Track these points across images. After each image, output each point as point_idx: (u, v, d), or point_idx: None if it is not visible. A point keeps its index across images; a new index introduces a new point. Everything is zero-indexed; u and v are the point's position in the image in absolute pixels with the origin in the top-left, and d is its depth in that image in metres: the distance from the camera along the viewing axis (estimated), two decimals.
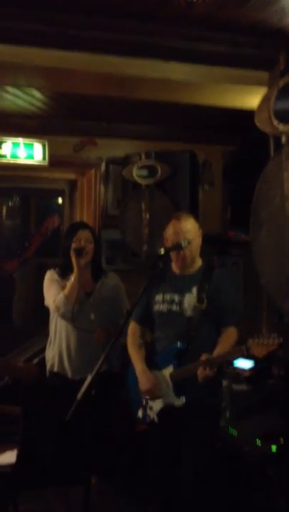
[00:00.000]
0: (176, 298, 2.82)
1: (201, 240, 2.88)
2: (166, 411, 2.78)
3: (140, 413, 2.86)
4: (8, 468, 3.08)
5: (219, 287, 2.80)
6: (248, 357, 2.65)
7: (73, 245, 3.28)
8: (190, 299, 2.78)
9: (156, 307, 2.88)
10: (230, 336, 2.75)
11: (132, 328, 3.01)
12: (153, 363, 2.85)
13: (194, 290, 2.79)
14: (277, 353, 2.77)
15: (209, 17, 2.46)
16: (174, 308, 2.82)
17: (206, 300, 2.75)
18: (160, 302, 2.87)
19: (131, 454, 3.81)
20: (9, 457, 3.15)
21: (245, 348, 2.55)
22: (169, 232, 2.85)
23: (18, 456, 3.15)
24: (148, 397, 2.83)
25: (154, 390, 2.80)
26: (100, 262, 3.56)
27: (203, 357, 2.62)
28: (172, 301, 2.83)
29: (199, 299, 2.76)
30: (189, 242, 2.79)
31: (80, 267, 3.25)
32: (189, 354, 2.71)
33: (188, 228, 2.82)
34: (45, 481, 3.49)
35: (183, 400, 2.72)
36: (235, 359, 2.70)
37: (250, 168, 4.32)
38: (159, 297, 2.88)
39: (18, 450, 3.19)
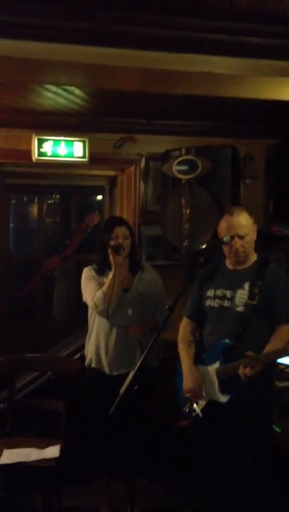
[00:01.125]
0: (228, 294, 2.78)
1: (255, 235, 2.83)
2: (211, 407, 2.76)
3: (186, 408, 2.86)
4: (52, 463, 3.11)
5: (273, 283, 2.73)
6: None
7: (111, 243, 3.27)
8: (241, 295, 2.74)
9: (208, 302, 2.85)
10: (283, 334, 2.67)
11: (184, 324, 3.00)
12: (201, 358, 2.83)
13: (246, 286, 2.74)
14: None
15: (253, 9, 2.41)
16: (226, 304, 2.78)
17: (257, 296, 2.69)
18: (212, 298, 2.84)
19: (173, 450, 3.82)
20: (53, 452, 3.18)
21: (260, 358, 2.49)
22: (222, 227, 2.81)
23: (61, 451, 3.19)
24: (188, 396, 2.82)
25: (197, 391, 2.78)
26: (137, 257, 3.54)
27: (248, 354, 2.58)
28: (224, 297, 2.79)
29: (251, 296, 2.71)
30: (232, 238, 2.75)
31: (118, 264, 3.24)
32: (237, 351, 2.67)
33: (242, 223, 2.77)
34: (89, 476, 3.53)
35: (227, 397, 2.69)
36: (281, 357, 2.63)
37: None
38: (210, 292, 2.85)
39: (61, 445, 3.23)
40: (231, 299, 2.76)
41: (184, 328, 3.00)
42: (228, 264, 2.88)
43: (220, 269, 2.90)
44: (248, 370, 2.55)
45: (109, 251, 3.25)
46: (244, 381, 2.59)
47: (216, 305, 2.81)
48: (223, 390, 2.71)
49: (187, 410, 2.85)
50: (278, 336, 2.67)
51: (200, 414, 2.79)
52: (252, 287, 2.72)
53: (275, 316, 2.71)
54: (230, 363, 2.70)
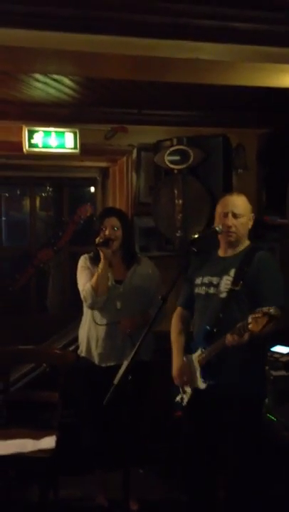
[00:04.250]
0: (215, 280, 2.77)
1: (250, 223, 2.81)
2: (196, 395, 2.76)
3: (178, 398, 2.87)
4: (48, 454, 3.12)
5: (259, 270, 2.70)
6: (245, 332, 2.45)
7: (98, 238, 3.24)
8: (226, 281, 2.72)
9: (196, 290, 2.85)
10: None
11: (176, 313, 3.01)
12: (189, 347, 2.84)
13: (232, 272, 2.72)
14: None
15: None
16: (211, 290, 2.77)
17: (241, 282, 2.66)
18: (199, 285, 2.83)
19: (167, 441, 3.82)
20: (48, 443, 3.20)
21: (245, 324, 2.42)
22: (218, 208, 2.80)
23: (56, 442, 3.19)
24: (176, 383, 2.83)
25: (181, 377, 2.79)
26: (131, 249, 3.52)
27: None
28: (210, 284, 2.78)
29: (234, 281, 2.68)
30: (226, 215, 2.73)
31: (107, 257, 3.22)
32: (217, 336, 2.64)
33: (239, 203, 2.77)
34: (85, 466, 3.53)
35: (207, 383, 2.67)
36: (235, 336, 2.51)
37: (285, 151, 4.25)
38: (198, 280, 2.84)
39: (56, 436, 3.23)
40: (217, 286, 2.75)
41: (176, 317, 3.00)
42: (220, 251, 2.88)
43: (211, 258, 2.89)
44: (235, 339, 2.48)
45: (97, 248, 3.22)
46: (229, 346, 2.52)
47: (203, 292, 2.81)
48: (203, 377, 2.70)
49: (179, 400, 2.86)
50: None
51: (184, 403, 2.79)
52: (237, 273, 2.70)
53: (258, 302, 2.64)
54: (209, 348, 2.68)
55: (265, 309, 2.36)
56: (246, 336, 2.43)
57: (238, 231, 2.76)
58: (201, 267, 2.88)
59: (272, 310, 2.35)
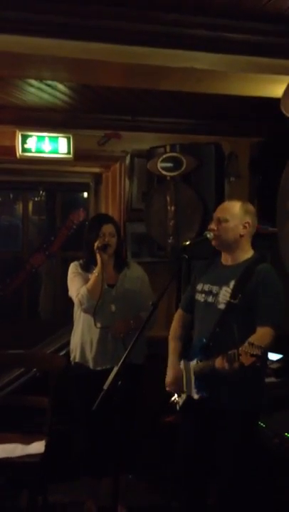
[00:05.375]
0: (214, 289, 2.71)
1: (242, 230, 2.70)
2: (189, 403, 2.76)
3: (173, 398, 2.86)
4: (37, 458, 3.11)
5: (258, 284, 2.61)
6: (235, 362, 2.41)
7: (97, 242, 3.27)
8: (225, 293, 2.66)
9: (196, 296, 2.82)
10: (260, 337, 2.53)
11: (176, 316, 2.99)
12: (187, 353, 2.81)
13: (232, 283, 2.65)
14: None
15: (233, 5, 2.42)
16: (210, 299, 2.72)
17: (240, 295, 2.59)
18: (200, 292, 2.79)
19: (157, 446, 3.83)
20: (37, 447, 3.19)
21: (236, 354, 2.37)
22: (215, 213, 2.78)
23: (46, 447, 3.18)
24: (169, 390, 2.82)
25: (175, 385, 2.79)
26: (122, 254, 3.57)
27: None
28: (210, 292, 2.73)
29: (233, 294, 2.61)
30: (218, 235, 2.68)
31: (104, 262, 3.25)
32: (211, 351, 2.61)
33: (225, 207, 2.73)
34: (74, 472, 3.52)
35: (201, 394, 2.65)
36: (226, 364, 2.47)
37: (277, 160, 4.27)
38: (199, 286, 2.80)
39: (46, 441, 3.22)
40: (216, 295, 2.70)
41: (176, 320, 2.97)
42: (222, 259, 2.81)
43: (214, 264, 2.84)
44: (225, 365, 2.44)
45: (96, 251, 3.24)
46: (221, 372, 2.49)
47: (202, 299, 2.77)
48: (197, 387, 2.68)
49: (174, 401, 2.86)
50: (254, 338, 2.50)
51: (178, 407, 2.80)
52: (236, 285, 2.63)
53: (256, 317, 2.60)
54: (205, 361, 2.64)
55: (254, 348, 2.33)
56: (236, 365, 2.39)
57: (220, 236, 2.69)
58: (205, 272, 2.84)
59: (258, 352, 2.32)
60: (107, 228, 3.33)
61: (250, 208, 2.78)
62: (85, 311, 3.31)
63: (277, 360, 3.53)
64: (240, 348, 2.37)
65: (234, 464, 2.68)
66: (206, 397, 2.65)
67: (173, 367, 2.83)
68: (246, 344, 2.37)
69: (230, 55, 2.68)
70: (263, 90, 3.08)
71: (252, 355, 2.33)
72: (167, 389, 2.84)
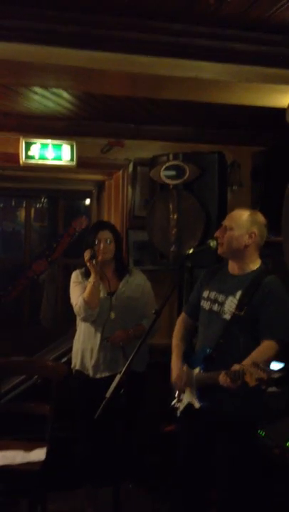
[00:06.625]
0: (220, 298, 2.69)
1: (248, 239, 2.66)
2: (188, 409, 2.74)
3: (174, 403, 2.84)
4: (38, 466, 3.10)
5: (264, 296, 2.58)
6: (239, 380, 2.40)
7: (85, 253, 3.26)
8: (231, 303, 2.63)
9: (201, 303, 2.80)
10: (263, 350, 2.52)
11: (180, 319, 2.98)
12: (189, 359, 2.80)
13: (238, 294, 2.62)
14: None
15: (239, 16, 2.44)
16: (215, 308, 2.70)
17: (245, 307, 2.57)
18: (205, 299, 2.77)
19: (158, 455, 3.81)
20: (38, 455, 3.17)
21: (240, 373, 2.36)
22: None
23: (47, 455, 3.17)
24: (176, 389, 2.80)
25: (180, 384, 2.75)
26: (123, 261, 3.56)
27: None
28: (215, 301, 2.71)
29: (239, 306, 2.59)
30: (222, 242, 2.68)
31: (96, 270, 3.25)
32: (214, 362, 2.60)
33: (232, 215, 2.71)
34: (75, 481, 3.51)
35: (202, 404, 2.64)
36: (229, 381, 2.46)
37: (279, 169, 4.29)
38: (205, 293, 2.78)
39: (47, 448, 3.21)
40: (221, 305, 2.67)
41: (180, 322, 2.96)
42: (229, 267, 2.79)
43: (221, 271, 2.82)
44: (228, 382, 2.43)
45: (87, 263, 3.24)
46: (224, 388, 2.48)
47: (207, 307, 2.75)
48: (198, 396, 2.67)
49: (175, 405, 2.84)
50: (258, 351, 2.52)
51: (178, 412, 2.78)
52: (243, 297, 2.60)
53: (261, 330, 2.58)
54: (207, 371, 2.63)
55: (260, 370, 2.30)
56: (239, 383, 2.38)
57: (224, 244, 2.67)
58: (211, 279, 2.81)
59: (264, 376, 2.30)
60: (103, 234, 3.34)
61: (260, 218, 2.75)
62: (84, 320, 3.32)
63: (279, 370, 3.51)
64: (244, 367, 2.35)
65: (234, 474, 2.66)
66: (207, 406, 2.64)
67: (175, 365, 2.80)
68: (251, 364, 2.34)
69: (235, 64, 2.69)
70: (267, 100, 3.09)
71: (257, 379, 2.30)
72: (175, 388, 2.80)
